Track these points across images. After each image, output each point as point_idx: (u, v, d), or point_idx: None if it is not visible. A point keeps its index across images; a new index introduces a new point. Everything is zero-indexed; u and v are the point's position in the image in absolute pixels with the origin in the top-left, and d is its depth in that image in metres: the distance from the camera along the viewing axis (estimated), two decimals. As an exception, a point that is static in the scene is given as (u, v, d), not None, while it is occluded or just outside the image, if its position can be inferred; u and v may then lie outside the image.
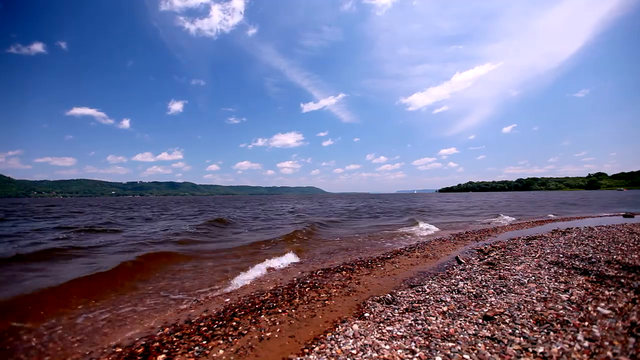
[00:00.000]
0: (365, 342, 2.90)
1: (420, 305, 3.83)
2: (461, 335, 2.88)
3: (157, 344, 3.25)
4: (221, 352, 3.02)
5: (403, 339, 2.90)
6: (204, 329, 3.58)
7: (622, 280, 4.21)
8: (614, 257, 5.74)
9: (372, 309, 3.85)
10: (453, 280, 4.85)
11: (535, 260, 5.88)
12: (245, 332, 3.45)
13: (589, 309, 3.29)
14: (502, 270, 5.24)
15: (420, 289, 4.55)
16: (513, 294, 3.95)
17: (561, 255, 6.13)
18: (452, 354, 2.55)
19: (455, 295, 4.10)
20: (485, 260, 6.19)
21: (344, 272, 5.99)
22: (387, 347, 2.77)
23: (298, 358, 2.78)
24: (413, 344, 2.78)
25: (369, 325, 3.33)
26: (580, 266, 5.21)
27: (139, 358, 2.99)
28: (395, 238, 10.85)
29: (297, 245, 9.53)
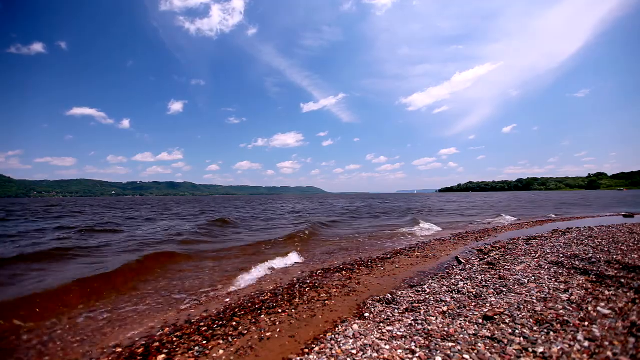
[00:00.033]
0: (365, 342, 2.90)
1: (420, 305, 3.83)
2: (461, 335, 2.88)
3: (157, 344, 3.25)
4: (221, 352, 3.03)
5: (403, 339, 2.90)
6: (204, 329, 3.58)
7: (622, 280, 4.21)
8: (614, 257, 5.73)
9: (372, 309, 3.85)
10: (453, 280, 4.85)
11: (535, 260, 5.87)
12: (245, 332, 3.45)
13: (589, 309, 3.29)
14: (502, 270, 5.24)
15: (420, 289, 4.54)
16: (513, 294, 3.95)
17: (561, 255, 6.13)
18: (452, 354, 2.55)
19: (455, 295, 4.09)
20: (485, 260, 6.18)
21: (344, 272, 5.99)
22: (387, 347, 2.77)
23: (298, 358, 2.78)
24: (413, 344, 2.78)
25: (369, 325, 3.33)
26: (580, 266, 5.20)
27: (139, 358, 2.99)
28: (395, 238, 10.84)
29: (298, 245, 9.52)
